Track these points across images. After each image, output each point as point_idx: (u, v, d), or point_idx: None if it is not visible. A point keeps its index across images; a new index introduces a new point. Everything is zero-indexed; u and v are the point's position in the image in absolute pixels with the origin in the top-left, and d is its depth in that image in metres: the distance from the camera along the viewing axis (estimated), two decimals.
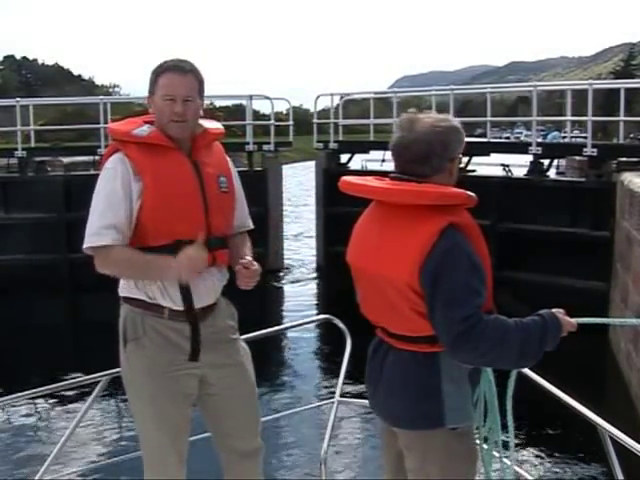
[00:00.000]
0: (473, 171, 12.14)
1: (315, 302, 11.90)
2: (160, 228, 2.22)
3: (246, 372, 2.46)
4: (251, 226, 2.55)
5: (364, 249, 2.04)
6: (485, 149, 13.04)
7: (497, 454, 2.26)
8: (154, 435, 2.34)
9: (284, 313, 11.09)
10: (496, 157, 12.91)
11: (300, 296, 11.96)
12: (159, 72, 2.28)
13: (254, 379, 2.50)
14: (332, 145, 13.42)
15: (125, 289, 2.33)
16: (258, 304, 11.79)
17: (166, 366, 2.28)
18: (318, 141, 13.81)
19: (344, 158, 13.69)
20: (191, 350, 2.30)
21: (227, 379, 2.40)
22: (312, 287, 12.78)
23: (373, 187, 1.99)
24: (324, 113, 15.18)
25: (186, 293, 2.26)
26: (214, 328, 2.36)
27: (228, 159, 2.48)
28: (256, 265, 2.32)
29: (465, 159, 12.01)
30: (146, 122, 2.32)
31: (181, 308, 2.27)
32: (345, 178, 2.12)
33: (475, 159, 12.18)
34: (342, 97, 14.90)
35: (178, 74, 2.26)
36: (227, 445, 2.47)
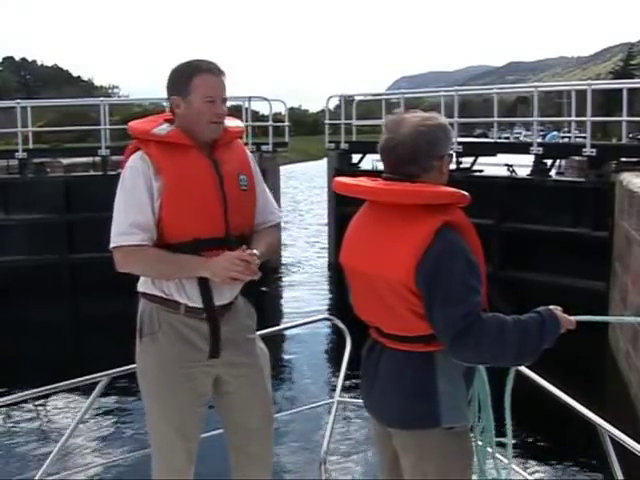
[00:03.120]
0: (481, 171, 12.19)
1: (324, 299, 11.88)
2: (179, 226, 2.22)
3: (261, 372, 2.45)
4: (276, 220, 2.48)
5: (358, 250, 2.03)
6: (491, 149, 13.17)
7: (491, 450, 2.27)
8: (163, 431, 2.35)
9: (292, 311, 11.06)
10: (497, 157, 12.98)
11: (310, 294, 12.04)
12: (193, 73, 2.27)
13: (269, 380, 2.49)
14: (343, 145, 13.61)
15: (143, 285, 2.33)
16: (263, 302, 11.85)
17: (180, 362, 2.28)
18: (330, 141, 14.03)
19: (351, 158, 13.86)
20: (210, 347, 2.29)
21: (242, 378, 2.39)
22: (323, 284, 12.83)
23: (367, 187, 1.99)
24: (323, 114, 15.27)
25: (205, 291, 2.25)
26: (231, 327, 2.35)
27: (250, 156, 2.47)
28: (250, 258, 2.21)
29: (471, 159, 12.10)
30: (166, 120, 2.33)
31: (198, 305, 2.27)
32: (338, 179, 2.12)
33: (478, 159, 12.25)
34: (343, 98, 15.00)
35: (215, 75, 2.28)
36: (239, 446, 2.46)
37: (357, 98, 15.47)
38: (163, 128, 2.28)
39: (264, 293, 11.94)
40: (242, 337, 2.40)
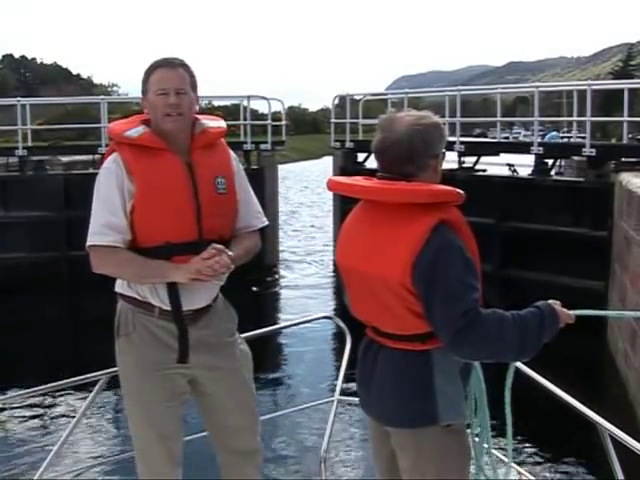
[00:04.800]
0: (484, 171, 12.24)
1: (326, 298, 11.86)
2: (150, 230, 2.22)
3: (242, 375, 2.44)
4: (259, 225, 2.47)
5: (354, 249, 2.03)
6: (493, 149, 13.26)
7: (487, 446, 2.27)
8: (142, 431, 2.36)
9: (294, 309, 11.06)
10: (499, 157, 13.01)
11: (312, 293, 12.04)
12: (150, 71, 2.30)
13: (251, 381, 2.49)
14: (348, 144, 13.74)
15: (119, 286, 2.35)
16: (264, 301, 11.83)
17: (154, 364, 2.29)
18: (335, 140, 14.18)
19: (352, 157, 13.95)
20: (179, 353, 2.29)
21: (221, 381, 2.39)
22: (326, 283, 12.80)
23: (363, 187, 1.99)
24: (322, 113, 15.33)
25: (174, 295, 2.25)
26: (208, 330, 2.34)
27: (233, 158, 2.45)
28: (218, 258, 2.18)
29: (474, 159, 12.14)
30: (143, 121, 2.32)
31: (170, 309, 2.27)
32: (333, 178, 2.13)
33: (481, 158, 12.28)
34: (348, 97, 15.06)
35: (168, 68, 2.28)
36: (224, 444, 2.47)
37: (363, 98, 15.51)
38: (137, 130, 2.27)
39: (258, 293, 11.91)
40: (220, 340, 2.39)
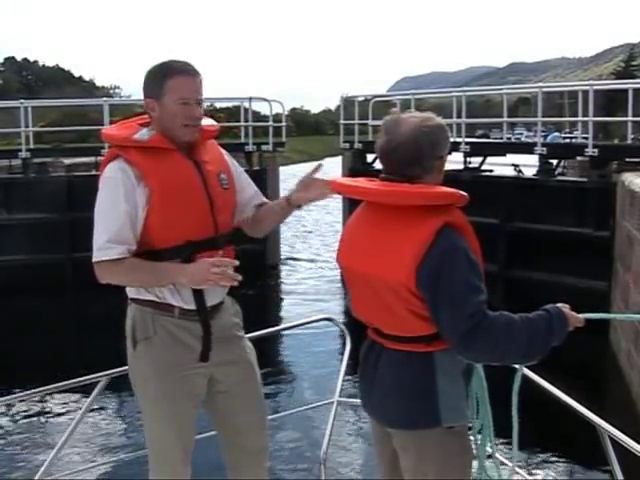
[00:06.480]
0: (491, 171, 12.25)
1: (333, 297, 11.88)
2: (170, 231, 2.21)
3: (252, 370, 2.46)
4: (264, 200, 2.53)
5: (357, 250, 2.02)
6: (496, 149, 13.39)
7: (490, 449, 2.26)
8: (161, 434, 2.34)
9: (297, 310, 11.05)
10: (504, 157, 13.04)
11: (317, 293, 12.05)
12: (167, 74, 2.22)
13: (259, 377, 2.50)
14: (357, 145, 13.81)
15: (133, 290, 2.31)
16: (266, 301, 11.80)
17: (176, 366, 2.28)
18: (345, 141, 14.33)
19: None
20: (202, 350, 2.29)
21: (234, 376, 2.40)
22: (330, 284, 12.82)
23: (366, 188, 1.98)
24: (324, 114, 15.34)
25: (198, 293, 2.25)
26: (221, 326, 2.36)
27: (225, 153, 2.47)
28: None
29: (480, 159, 12.14)
30: (140, 124, 2.30)
31: (192, 307, 2.26)
32: (336, 179, 2.13)
33: (487, 159, 12.28)
34: (356, 100, 15.09)
35: (190, 77, 2.23)
36: (235, 443, 2.46)
37: (372, 99, 15.58)
38: (144, 133, 2.24)
39: (259, 294, 11.88)
40: (232, 335, 2.41)
